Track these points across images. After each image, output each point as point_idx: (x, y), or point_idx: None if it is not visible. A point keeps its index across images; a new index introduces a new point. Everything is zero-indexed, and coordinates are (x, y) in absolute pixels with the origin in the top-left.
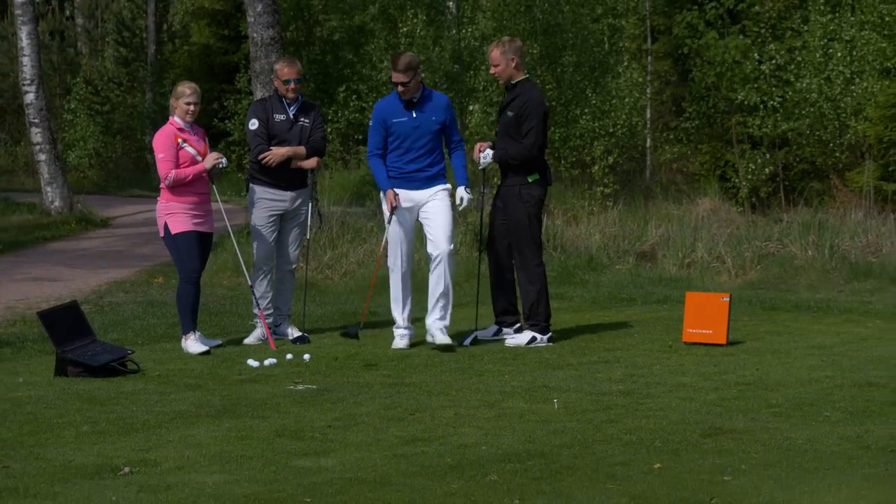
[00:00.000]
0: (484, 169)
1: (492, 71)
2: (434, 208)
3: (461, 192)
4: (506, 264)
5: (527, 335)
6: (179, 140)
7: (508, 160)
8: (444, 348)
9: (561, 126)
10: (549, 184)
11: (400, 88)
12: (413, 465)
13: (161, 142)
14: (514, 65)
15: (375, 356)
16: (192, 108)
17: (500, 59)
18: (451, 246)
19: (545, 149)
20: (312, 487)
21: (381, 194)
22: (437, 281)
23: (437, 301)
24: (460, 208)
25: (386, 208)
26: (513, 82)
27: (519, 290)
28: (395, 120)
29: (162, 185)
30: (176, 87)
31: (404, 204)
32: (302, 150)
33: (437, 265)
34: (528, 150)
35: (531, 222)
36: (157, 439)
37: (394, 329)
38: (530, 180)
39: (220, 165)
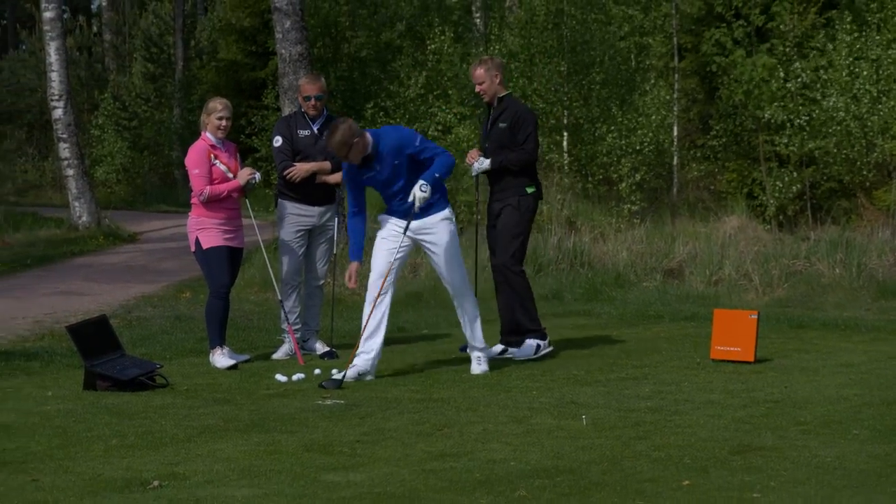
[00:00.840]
0: (477, 176)
1: (477, 89)
2: (435, 243)
3: (416, 187)
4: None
5: (532, 345)
6: (211, 156)
7: (509, 166)
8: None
9: (588, 143)
10: (541, 197)
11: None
12: (442, 481)
13: (195, 158)
14: (497, 81)
15: (403, 372)
16: (224, 123)
17: (485, 76)
18: (461, 277)
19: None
20: (341, 502)
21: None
22: (460, 314)
23: (466, 331)
24: (411, 200)
25: (346, 278)
26: (499, 97)
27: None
28: (365, 177)
29: (193, 201)
30: (208, 102)
31: (398, 227)
32: (327, 165)
33: (455, 300)
34: (530, 155)
35: (524, 234)
36: (186, 453)
37: None
38: (529, 191)
39: (253, 181)
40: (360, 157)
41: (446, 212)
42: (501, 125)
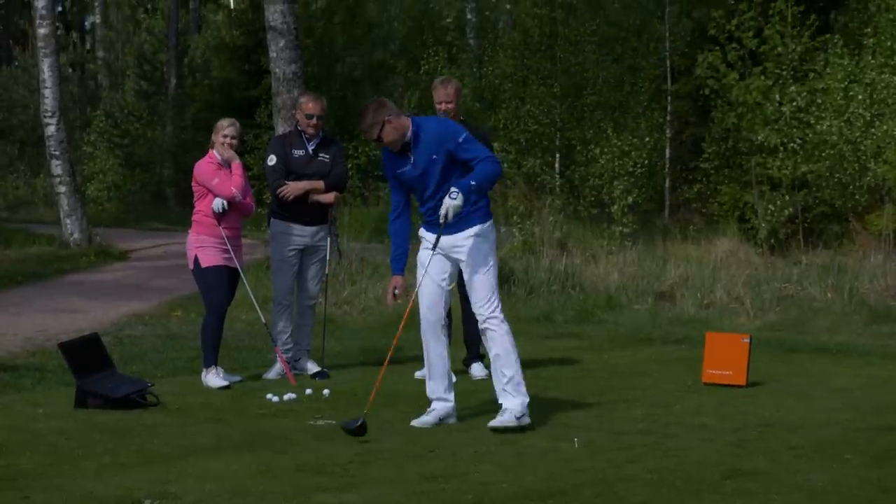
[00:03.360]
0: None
1: (444, 108)
2: (470, 265)
3: (447, 198)
4: None
5: (482, 368)
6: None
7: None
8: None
9: (581, 165)
10: None
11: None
12: (434, 502)
13: (208, 171)
14: (459, 102)
15: (395, 392)
16: (228, 140)
17: (455, 96)
18: (491, 308)
19: None
20: None
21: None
22: (489, 349)
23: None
24: (441, 215)
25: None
26: (462, 118)
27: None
28: (398, 171)
29: (195, 218)
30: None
31: (440, 250)
32: (320, 184)
33: (483, 331)
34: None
35: None
36: (178, 472)
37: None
38: None
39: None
40: (394, 138)
41: (478, 227)
42: None
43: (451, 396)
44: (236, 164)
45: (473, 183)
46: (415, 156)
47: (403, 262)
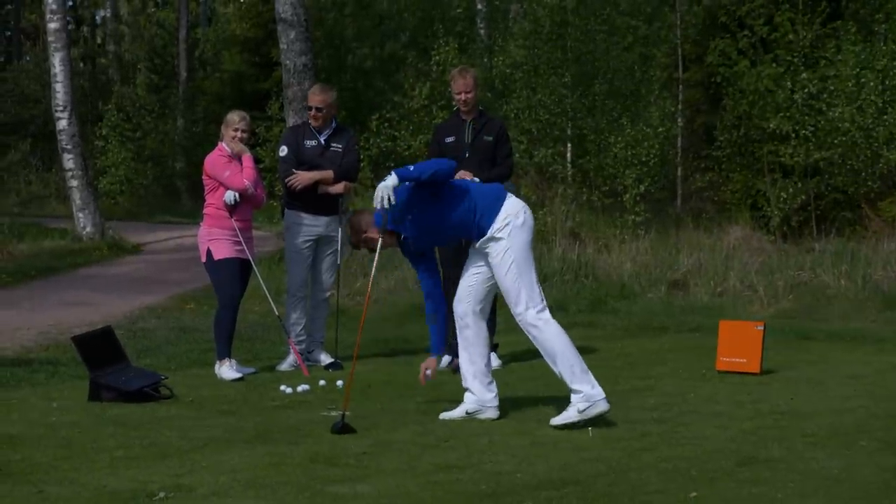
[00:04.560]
0: None
1: (464, 97)
2: (493, 268)
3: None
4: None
5: (495, 357)
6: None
7: (498, 182)
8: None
9: (594, 155)
10: None
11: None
12: (448, 493)
13: (219, 163)
14: (478, 92)
15: (409, 383)
16: (238, 135)
17: (473, 86)
18: (519, 310)
19: None
20: None
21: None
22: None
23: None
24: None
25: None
26: (480, 108)
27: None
28: (408, 252)
29: (206, 211)
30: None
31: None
32: (329, 174)
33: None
34: (510, 169)
35: None
36: (192, 465)
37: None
38: None
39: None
40: (380, 238)
41: (492, 229)
42: (487, 138)
43: (481, 391)
44: (247, 156)
45: (412, 169)
46: (404, 234)
47: (443, 343)
